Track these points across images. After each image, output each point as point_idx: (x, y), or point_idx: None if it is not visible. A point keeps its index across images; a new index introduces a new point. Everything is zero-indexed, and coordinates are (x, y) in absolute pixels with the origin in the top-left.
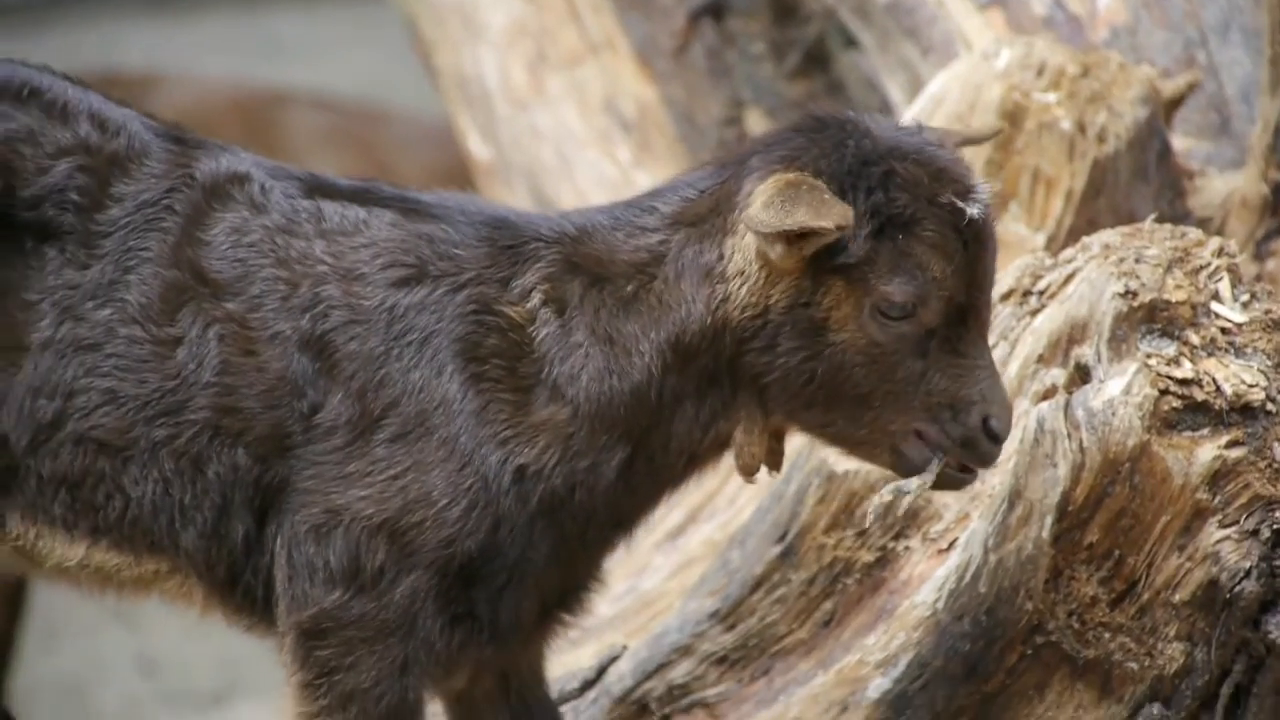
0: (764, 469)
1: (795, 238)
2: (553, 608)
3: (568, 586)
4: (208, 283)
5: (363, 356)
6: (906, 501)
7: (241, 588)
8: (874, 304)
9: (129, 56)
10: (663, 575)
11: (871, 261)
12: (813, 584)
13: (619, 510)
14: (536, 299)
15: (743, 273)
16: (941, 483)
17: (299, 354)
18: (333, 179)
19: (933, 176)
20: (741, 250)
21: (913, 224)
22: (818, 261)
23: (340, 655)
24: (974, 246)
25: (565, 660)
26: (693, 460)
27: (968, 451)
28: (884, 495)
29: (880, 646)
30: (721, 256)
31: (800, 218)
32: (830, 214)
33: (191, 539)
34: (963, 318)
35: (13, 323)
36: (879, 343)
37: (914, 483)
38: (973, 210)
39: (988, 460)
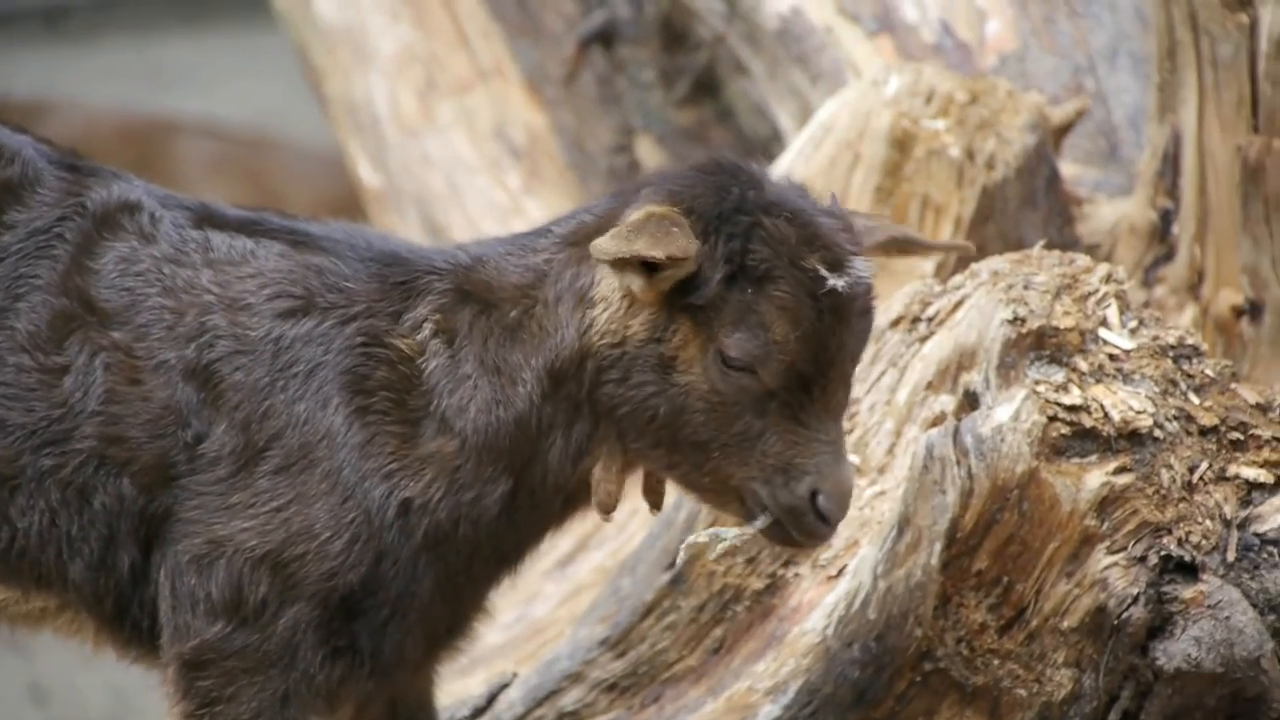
0: (649, 507)
1: (646, 269)
2: (441, 639)
3: (454, 620)
4: (95, 311)
5: (248, 387)
6: (721, 548)
7: (130, 621)
8: (715, 351)
9: (18, 83)
10: (553, 603)
11: (718, 308)
12: (703, 611)
13: (502, 545)
14: (427, 330)
15: (606, 300)
16: (777, 539)
17: (184, 383)
18: (223, 209)
19: (802, 239)
20: (608, 278)
21: (765, 280)
22: (673, 299)
23: (221, 686)
24: (830, 318)
25: (455, 688)
26: (568, 500)
27: (793, 521)
28: (699, 537)
29: (770, 673)
30: (593, 281)
31: (637, 247)
32: (668, 246)
33: (79, 571)
34: (807, 387)
35: None
36: (719, 391)
37: (732, 532)
38: (837, 282)
39: (814, 535)
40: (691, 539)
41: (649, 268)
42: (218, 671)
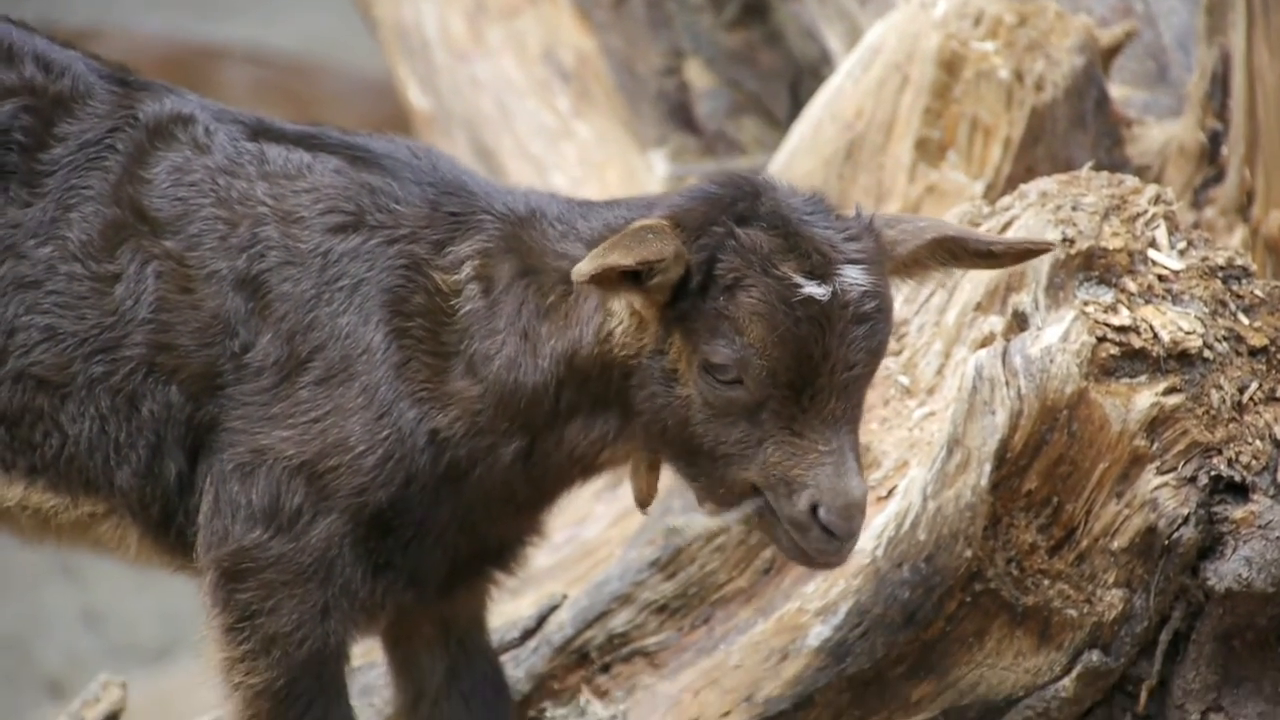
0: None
1: (636, 283)
2: (482, 563)
3: (475, 549)
4: (147, 220)
5: (294, 299)
6: (693, 533)
7: (175, 528)
8: (701, 363)
9: (67, 12)
10: (603, 524)
11: (697, 319)
12: (752, 532)
13: (517, 495)
14: (467, 270)
15: (620, 316)
16: (792, 554)
17: (234, 293)
18: (280, 123)
19: (779, 248)
20: (621, 299)
21: (735, 288)
22: (668, 312)
23: (261, 598)
24: (810, 326)
25: (505, 610)
26: (587, 469)
27: (799, 533)
28: (676, 522)
29: (820, 594)
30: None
31: (611, 259)
32: (640, 252)
33: (126, 477)
34: (796, 396)
35: None
36: (709, 402)
37: (704, 520)
38: (814, 290)
39: (820, 553)
40: (669, 524)
41: (637, 280)
42: (256, 583)
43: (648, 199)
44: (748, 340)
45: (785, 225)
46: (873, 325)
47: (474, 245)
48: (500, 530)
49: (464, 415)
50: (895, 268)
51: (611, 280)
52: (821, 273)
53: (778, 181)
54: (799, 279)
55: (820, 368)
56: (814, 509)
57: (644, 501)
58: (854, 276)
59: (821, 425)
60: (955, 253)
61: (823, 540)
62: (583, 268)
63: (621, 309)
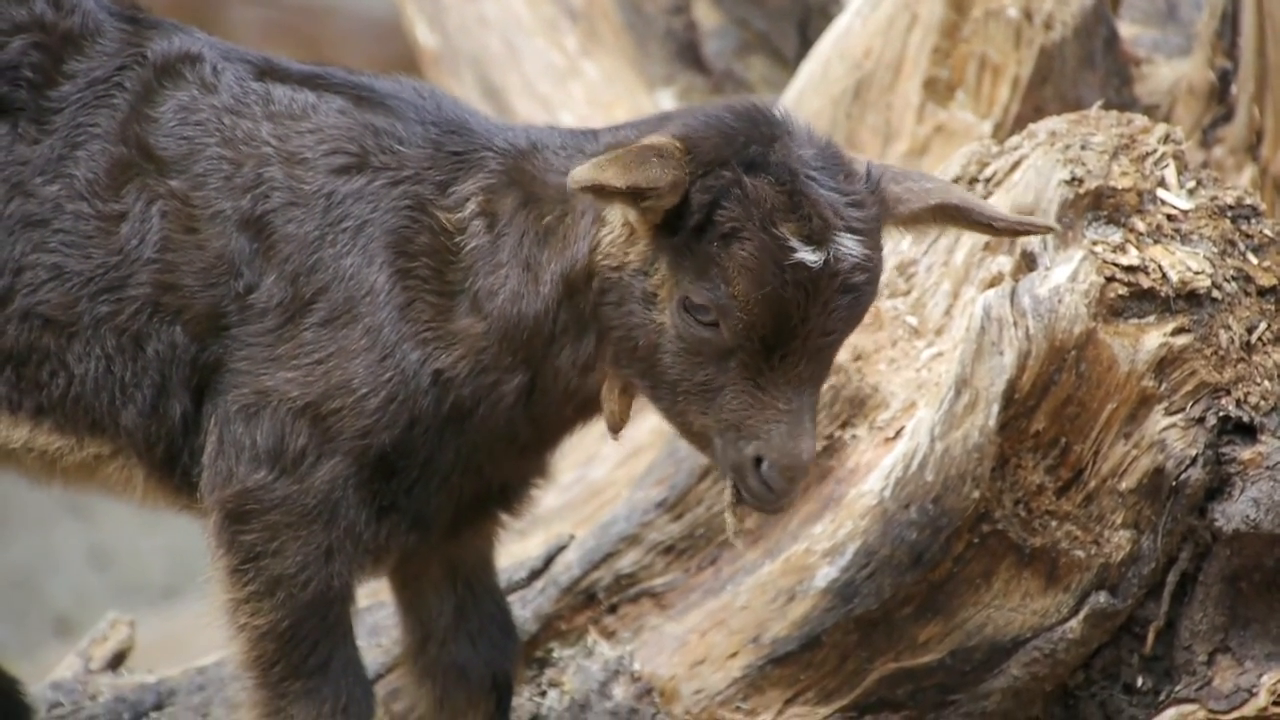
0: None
1: (633, 199)
2: (487, 504)
3: (479, 491)
4: (154, 159)
5: (298, 240)
6: (729, 515)
7: (180, 468)
8: (682, 298)
9: None
10: (610, 465)
11: (688, 255)
12: None
13: (518, 434)
14: (471, 208)
15: (612, 224)
16: (739, 497)
17: (238, 233)
18: (286, 63)
19: (784, 206)
20: (625, 210)
21: (731, 238)
22: (661, 235)
23: (265, 540)
24: (795, 290)
25: (513, 550)
26: (582, 407)
27: (739, 479)
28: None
29: (827, 535)
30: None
31: (605, 176)
32: (634, 176)
33: (132, 417)
34: (767, 353)
35: None
36: (683, 337)
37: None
38: (808, 255)
39: (758, 499)
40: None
41: (636, 198)
42: (260, 525)
43: (661, 115)
44: (733, 291)
45: (792, 181)
46: (858, 296)
47: (477, 182)
48: (504, 472)
49: (468, 354)
50: (897, 222)
51: (606, 193)
52: (819, 239)
53: (794, 122)
54: (795, 242)
55: (797, 331)
56: (758, 460)
57: (616, 426)
58: (849, 246)
59: (786, 384)
60: (956, 219)
61: (760, 489)
62: (578, 174)
63: (616, 219)
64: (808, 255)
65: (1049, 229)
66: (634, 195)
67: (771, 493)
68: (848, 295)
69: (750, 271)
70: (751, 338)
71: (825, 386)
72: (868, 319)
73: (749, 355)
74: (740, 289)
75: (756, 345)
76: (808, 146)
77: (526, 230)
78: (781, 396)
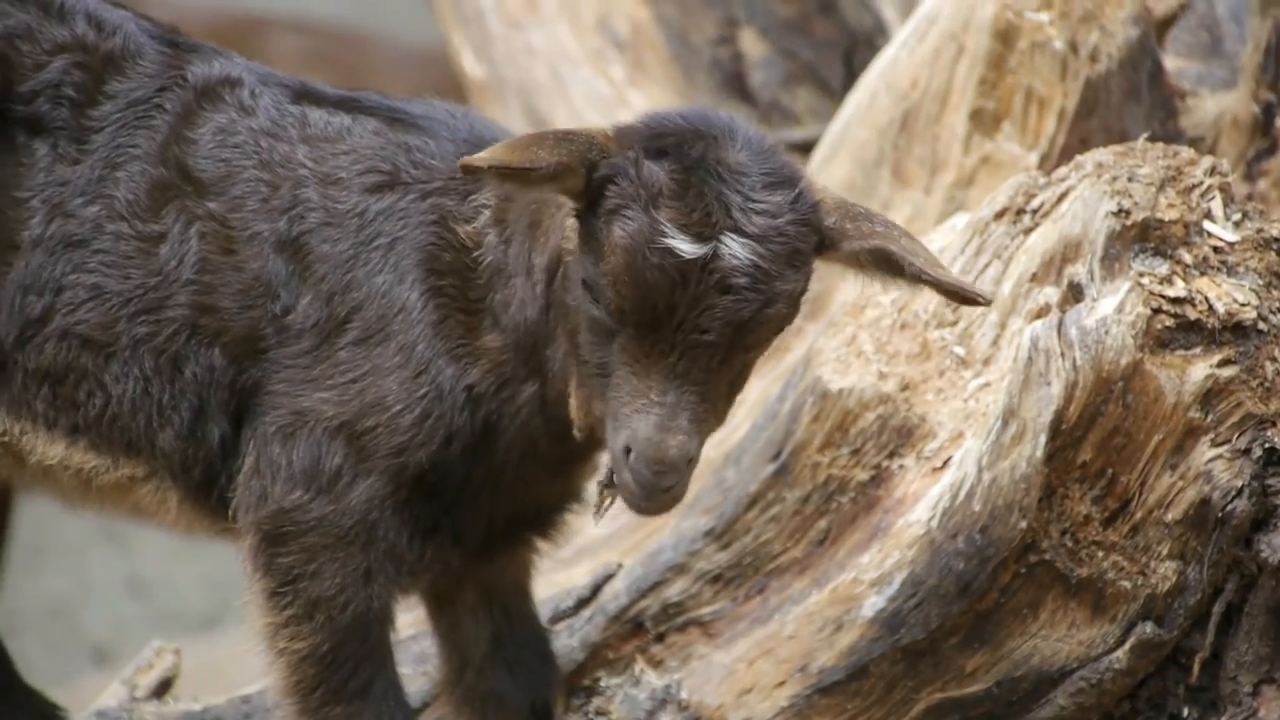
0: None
1: (523, 182)
2: (520, 528)
3: (512, 513)
4: (192, 181)
5: (333, 259)
6: (595, 492)
7: (216, 492)
8: (580, 273)
9: None
10: None
11: (582, 230)
12: (807, 502)
13: (541, 451)
14: (485, 216)
15: (567, 208)
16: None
17: (275, 255)
18: (322, 87)
19: (671, 194)
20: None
21: (614, 215)
22: (583, 219)
23: (303, 562)
24: (665, 278)
25: (559, 579)
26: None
27: (615, 471)
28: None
29: (875, 565)
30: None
31: (489, 155)
32: (513, 158)
33: (169, 440)
34: (641, 340)
35: (5, 221)
36: (582, 314)
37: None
38: (679, 244)
39: (627, 495)
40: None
41: (522, 179)
42: (298, 547)
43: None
44: (605, 267)
45: (696, 174)
46: (739, 299)
47: (493, 188)
48: (536, 493)
49: (493, 368)
50: (838, 257)
51: (482, 174)
52: (698, 231)
53: (745, 132)
54: (669, 229)
55: (664, 321)
56: (627, 451)
57: (579, 425)
58: (735, 248)
59: (661, 376)
60: (893, 270)
61: (631, 483)
62: (474, 158)
63: (569, 204)
64: (679, 244)
65: (983, 300)
66: (513, 177)
67: (638, 487)
68: (726, 296)
69: (621, 250)
70: (623, 320)
71: (872, 416)
72: (915, 349)
73: (626, 340)
74: (611, 265)
75: (630, 330)
76: (742, 153)
77: (526, 233)
78: (656, 387)
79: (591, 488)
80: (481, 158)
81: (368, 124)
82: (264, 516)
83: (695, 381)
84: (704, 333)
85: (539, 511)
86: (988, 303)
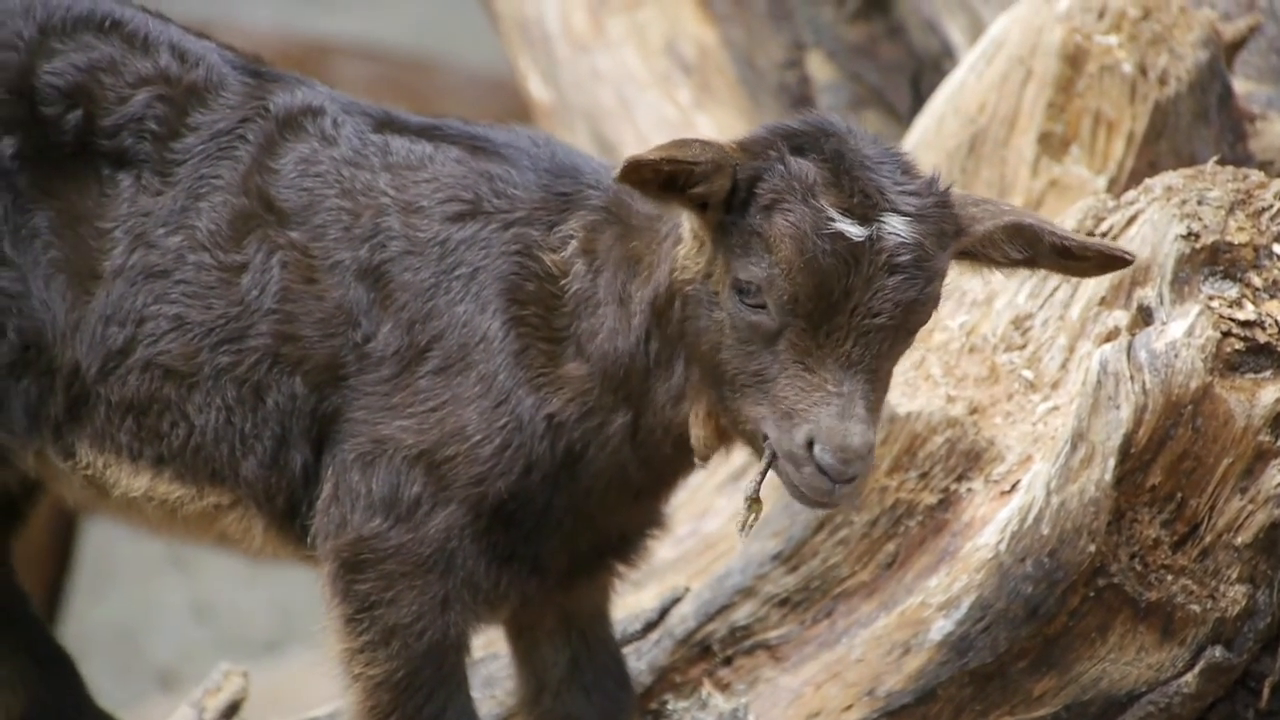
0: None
1: (673, 191)
2: (602, 555)
3: (595, 540)
4: (274, 210)
5: (414, 288)
6: (744, 507)
7: (300, 519)
8: (732, 281)
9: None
10: (725, 517)
11: (734, 236)
12: (875, 526)
13: (631, 479)
14: (572, 247)
15: (685, 239)
16: (792, 493)
17: (356, 283)
18: (405, 115)
19: (825, 182)
20: (688, 217)
21: (772, 209)
22: (717, 234)
23: (381, 589)
24: (837, 262)
25: (628, 602)
26: (678, 445)
27: (793, 467)
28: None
29: (943, 588)
30: (683, 219)
31: (640, 156)
32: (667, 151)
33: (252, 468)
34: (813, 330)
35: (87, 251)
36: (736, 325)
37: (747, 483)
38: (848, 227)
39: (816, 490)
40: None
41: (678, 189)
42: (376, 574)
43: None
44: (775, 259)
45: (840, 163)
46: (906, 278)
47: (579, 220)
48: (619, 520)
49: (575, 397)
50: (971, 245)
51: (646, 181)
52: (861, 214)
53: (860, 131)
54: (834, 213)
55: (841, 305)
56: (810, 444)
57: (703, 453)
58: (895, 225)
59: (835, 365)
60: (1031, 242)
61: (815, 478)
62: (635, 155)
63: (688, 231)
64: (848, 227)
65: (1128, 258)
66: (679, 181)
67: (827, 479)
68: (894, 276)
69: (790, 239)
70: (797, 311)
71: (940, 440)
72: (983, 372)
73: (796, 334)
74: (782, 256)
75: (801, 320)
76: (870, 146)
77: (620, 264)
78: (831, 378)
79: (737, 504)
80: (649, 152)
81: (450, 152)
82: (343, 544)
83: (867, 369)
84: (876, 316)
85: (622, 537)
86: (1132, 259)
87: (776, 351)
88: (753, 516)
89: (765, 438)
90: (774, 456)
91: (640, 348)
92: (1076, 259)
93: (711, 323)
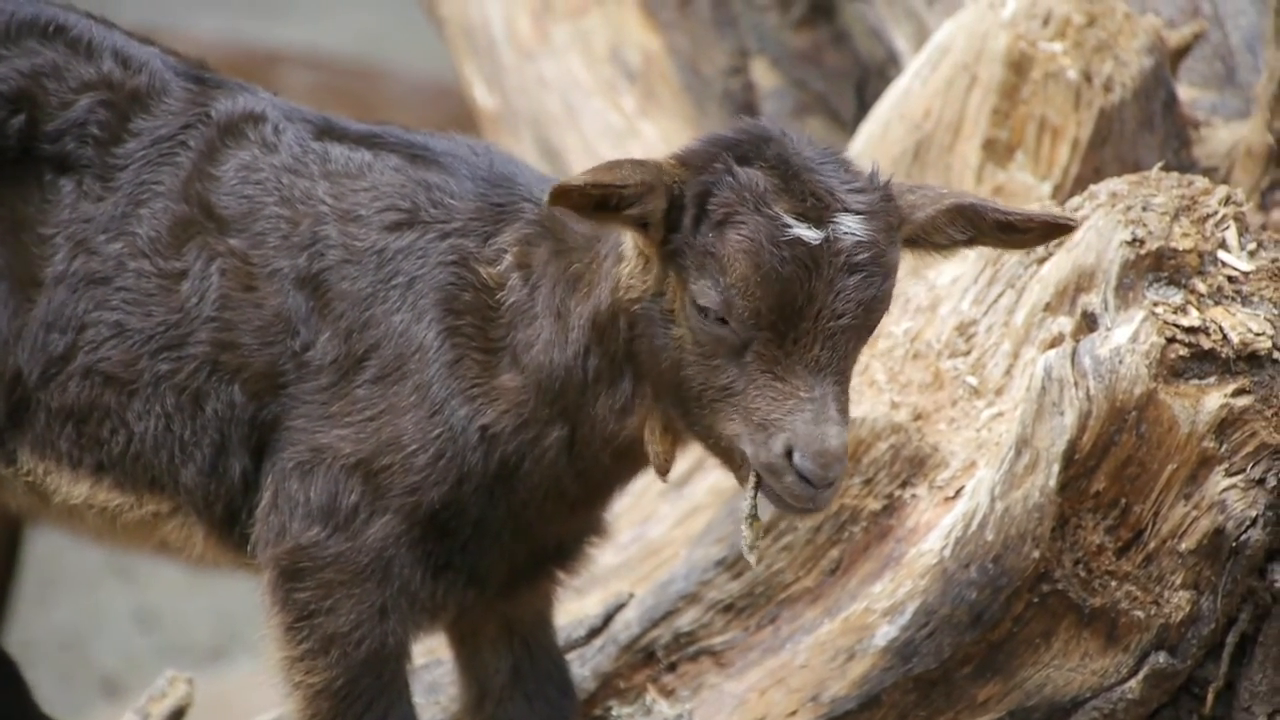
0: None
1: (607, 212)
2: (543, 562)
3: (533, 550)
4: (214, 218)
5: (352, 296)
6: (745, 528)
7: (239, 527)
8: (690, 300)
9: (123, 13)
10: (668, 523)
11: (688, 255)
12: (819, 532)
13: (566, 490)
14: (507, 261)
15: (629, 257)
16: (772, 499)
17: (295, 291)
18: (346, 123)
19: (776, 189)
20: (630, 235)
21: (725, 224)
22: (665, 251)
23: (319, 598)
24: (797, 268)
25: (571, 608)
26: (618, 456)
27: (774, 479)
28: (744, 525)
29: (887, 594)
30: (623, 238)
31: (569, 180)
32: (597, 176)
33: (191, 475)
34: (779, 339)
35: (29, 257)
36: (699, 342)
37: (745, 506)
38: (804, 232)
39: (799, 498)
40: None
41: (611, 209)
42: (314, 583)
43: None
44: (731, 278)
45: (787, 168)
46: (866, 276)
47: (514, 233)
48: (557, 529)
49: (510, 408)
50: (914, 233)
51: (577, 205)
52: (815, 217)
53: (794, 132)
54: (789, 219)
55: (805, 311)
56: (789, 453)
57: (662, 468)
58: (850, 225)
59: (805, 371)
60: (974, 222)
61: (798, 486)
62: (555, 185)
63: (630, 249)
64: (804, 232)
65: (1072, 223)
66: (606, 200)
67: (809, 485)
68: (854, 275)
69: (746, 254)
70: (760, 324)
71: (885, 446)
72: (928, 378)
73: (763, 345)
74: (739, 272)
75: (766, 332)
76: (807, 146)
77: (558, 280)
78: (802, 384)
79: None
80: (577, 178)
81: (389, 160)
82: (282, 552)
83: (836, 370)
84: (840, 317)
85: (561, 546)
86: (1077, 224)
87: (744, 364)
88: (756, 536)
89: (744, 455)
90: (759, 477)
91: (578, 363)
92: (1021, 231)
93: (669, 340)
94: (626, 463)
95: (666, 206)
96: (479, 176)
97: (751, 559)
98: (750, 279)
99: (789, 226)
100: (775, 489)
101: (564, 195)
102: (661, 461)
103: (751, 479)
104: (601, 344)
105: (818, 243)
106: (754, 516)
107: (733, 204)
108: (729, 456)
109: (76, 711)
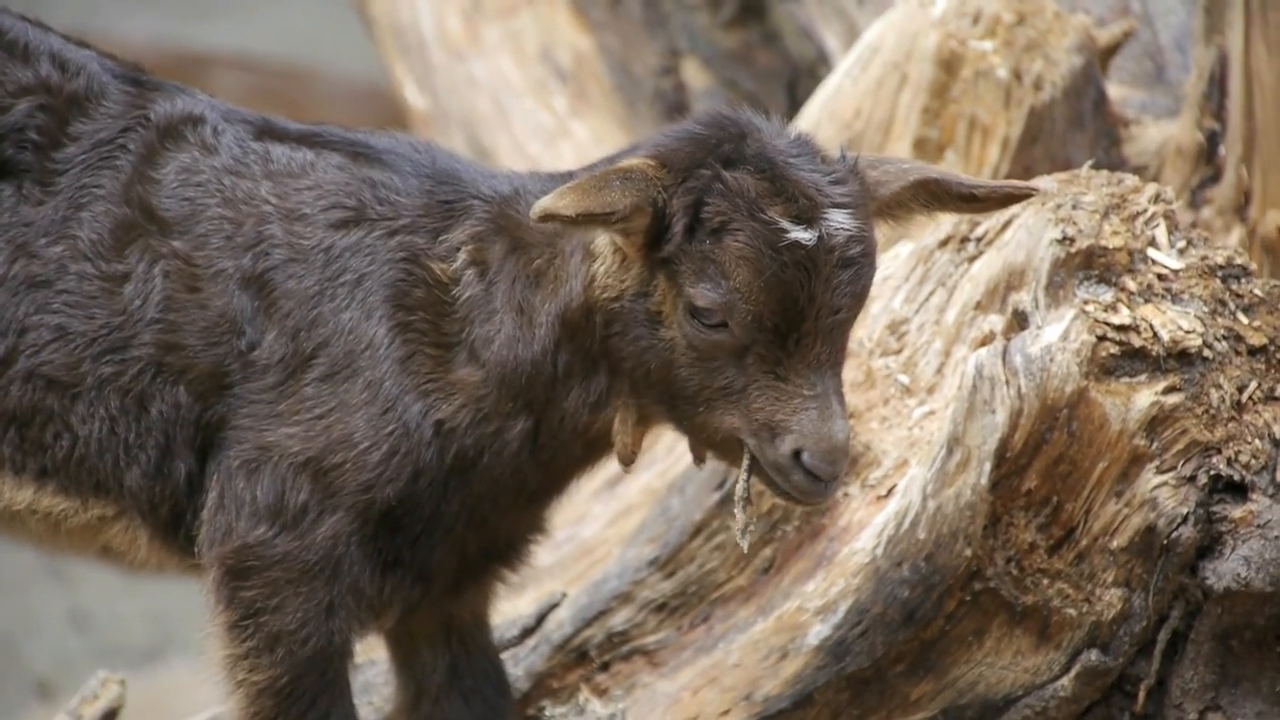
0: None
1: (601, 225)
2: (489, 560)
3: (486, 544)
4: (156, 220)
5: (298, 295)
6: (739, 511)
7: (184, 529)
8: (686, 305)
9: (54, 16)
10: (602, 523)
11: (683, 261)
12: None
13: (526, 481)
14: (462, 258)
15: (603, 256)
16: (777, 493)
17: (240, 291)
18: (285, 123)
19: (766, 192)
20: (604, 234)
21: (722, 232)
22: (651, 255)
23: (265, 596)
24: (795, 270)
25: (504, 608)
26: (591, 446)
27: (781, 478)
28: (735, 515)
29: (820, 593)
30: (594, 236)
31: (561, 205)
32: (589, 203)
33: (136, 478)
34: (781, 341)
35: None
36: (695, 345)
37: (739, 489)
38: (801, 234)
39: (808, 494)
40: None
41: (601, 223)
42: (261, 581)
43: (631, 144)
44: (734, 284)
45: (772, 168)
46: (858, 269)
47: (466, 231)
48: (510, 523)
49: (468, 403)
50: (879, 208)
51: (565, 222)
52: (808, 217)
53: (762, 120)
54: (786, 223)
55: (806, 312)
56: (797, 453)
57: (627, 458)
58: (840, 221)
59: (806, 369)
60: (938, 195)
61: (806, 483)
62: (538, 205)
63: (605, 247)
64: (801, 234)
65: (1032, 190)
66: (594, 222)
67: (818, 482)
68: (847, 270)
69: (747, 260)
70: (763, 328)
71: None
72: (859, 377)
73: (764, 347)
74: (741, 280)
75: (769, 335)
76: (780, 138)
77: (517, 276)
78: (805, 383)
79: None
80: (564, 206)
81: (331, 159)
82: (228, 551)
83: (833, 364)
84: (837, 312)
85: (509, 542)
86: (1036, 191)
87: (744, 365)
88: (749, 520)
89: (741, 443)
90: (753, 459)
91: (547, 358)
92: (981, 201)
93: (658, 341)
94: (593, 450)
95: (652, 217)
96: (423, 173)
97: (744, 543)
98: (752, 285)
99: (786, 231)
100: (783, 485)
101: (549, 219)
102: (627, 452)
103: (745, 463)
104: (574, 340)
105: (813, 244)
106: (747, 500)
107: (727, 211)
108: (721, 446)
109: (9, 713)
